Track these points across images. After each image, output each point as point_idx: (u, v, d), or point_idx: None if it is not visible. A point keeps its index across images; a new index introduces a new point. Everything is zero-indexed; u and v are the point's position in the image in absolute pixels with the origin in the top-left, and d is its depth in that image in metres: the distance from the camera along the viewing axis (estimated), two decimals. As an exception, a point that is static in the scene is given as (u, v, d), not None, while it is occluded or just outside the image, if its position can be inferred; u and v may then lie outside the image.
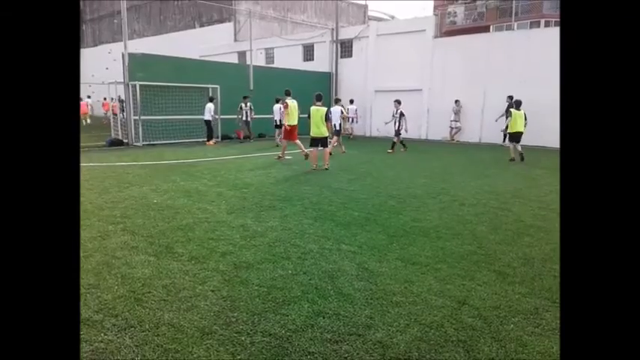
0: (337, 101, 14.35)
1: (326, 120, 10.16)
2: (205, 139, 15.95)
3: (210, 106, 15.55)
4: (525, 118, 12.29)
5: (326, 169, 10.06)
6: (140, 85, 14.84)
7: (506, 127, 12.96)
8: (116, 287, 3.54)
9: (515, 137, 12.37)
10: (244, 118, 16.62)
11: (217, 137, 16.76)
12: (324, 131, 10.16)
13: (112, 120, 18.27)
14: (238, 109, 16.54)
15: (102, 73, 20.80)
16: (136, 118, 15.00)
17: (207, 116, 15.56)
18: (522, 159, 12.08)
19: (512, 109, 12.54)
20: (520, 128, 12.22)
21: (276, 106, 15.24)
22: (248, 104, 16.53)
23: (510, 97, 14.46)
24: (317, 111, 10.13)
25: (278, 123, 15.24)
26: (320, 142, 10.21)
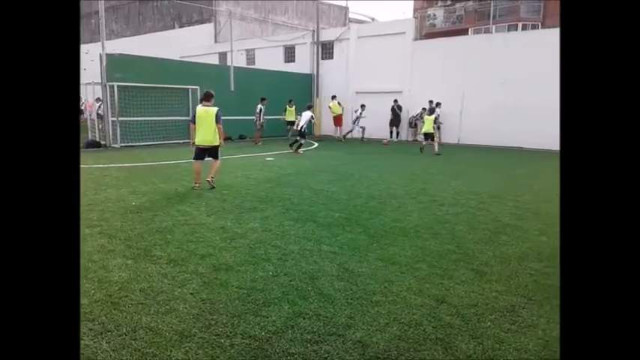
0: (310, 107, 15.15)
1: (216, 122, 7.80)
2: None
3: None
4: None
5: (212, 187, 7.80)
6: (118, 86, 14.60)
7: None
8: (92, 291, 3.48)
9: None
10: None
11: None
12: (214, 139, 7.89)
13: (88, 121, 17.95)
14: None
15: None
16: (114, 119, 14.76)
17: None
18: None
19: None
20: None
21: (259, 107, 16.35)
22: None
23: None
24: (205, 113, 7.80)
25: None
26: (208, 152, 8.05)
